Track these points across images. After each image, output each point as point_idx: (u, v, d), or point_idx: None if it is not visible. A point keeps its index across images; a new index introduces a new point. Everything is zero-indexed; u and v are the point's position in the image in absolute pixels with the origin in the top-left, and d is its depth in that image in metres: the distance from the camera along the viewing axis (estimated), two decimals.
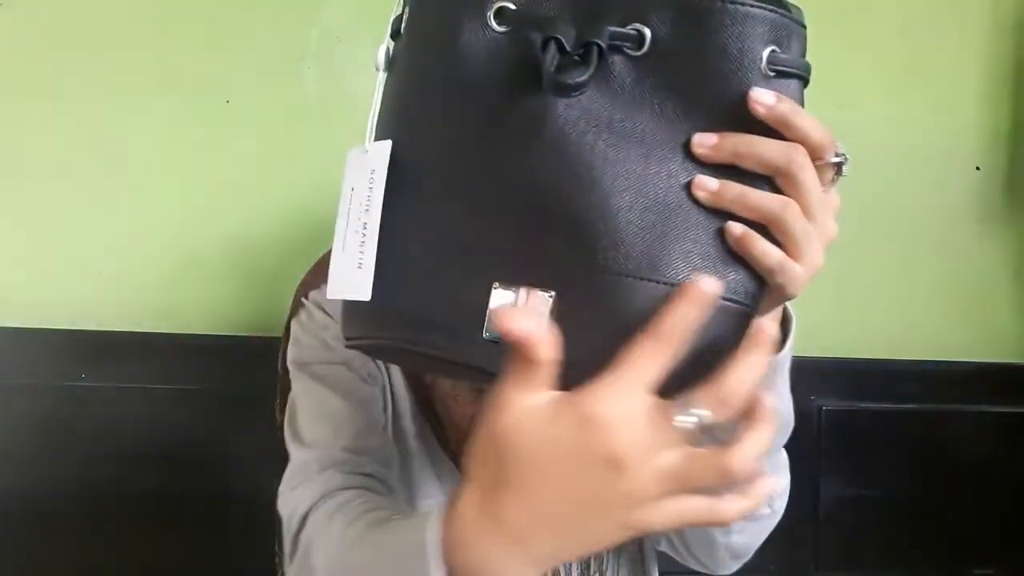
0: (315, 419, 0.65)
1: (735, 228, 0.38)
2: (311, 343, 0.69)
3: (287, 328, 0.74)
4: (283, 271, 0.80)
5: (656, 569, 0.76)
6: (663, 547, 0.72)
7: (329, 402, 0.65)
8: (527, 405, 0.35)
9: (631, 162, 0.38)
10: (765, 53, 0.38)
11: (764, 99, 0.38)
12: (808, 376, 1.25)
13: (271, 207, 1.14)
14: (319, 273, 0.73)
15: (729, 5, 0.38)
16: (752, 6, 0.38)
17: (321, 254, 0.77)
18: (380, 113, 0.44)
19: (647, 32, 0.38)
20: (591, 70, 0.36)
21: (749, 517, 0.53)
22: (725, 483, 0.35)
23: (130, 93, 1.10)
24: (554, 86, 0.36)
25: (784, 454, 0.66)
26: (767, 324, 0.39)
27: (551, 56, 0.36)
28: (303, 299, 0.72)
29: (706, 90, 0.38)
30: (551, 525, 0.35)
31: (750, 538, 0.65)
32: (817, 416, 1.23)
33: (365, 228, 0.41)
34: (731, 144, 0.38)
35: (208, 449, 1.05)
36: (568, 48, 0.37)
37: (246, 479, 0.91)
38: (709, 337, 0.38)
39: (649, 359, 0.35)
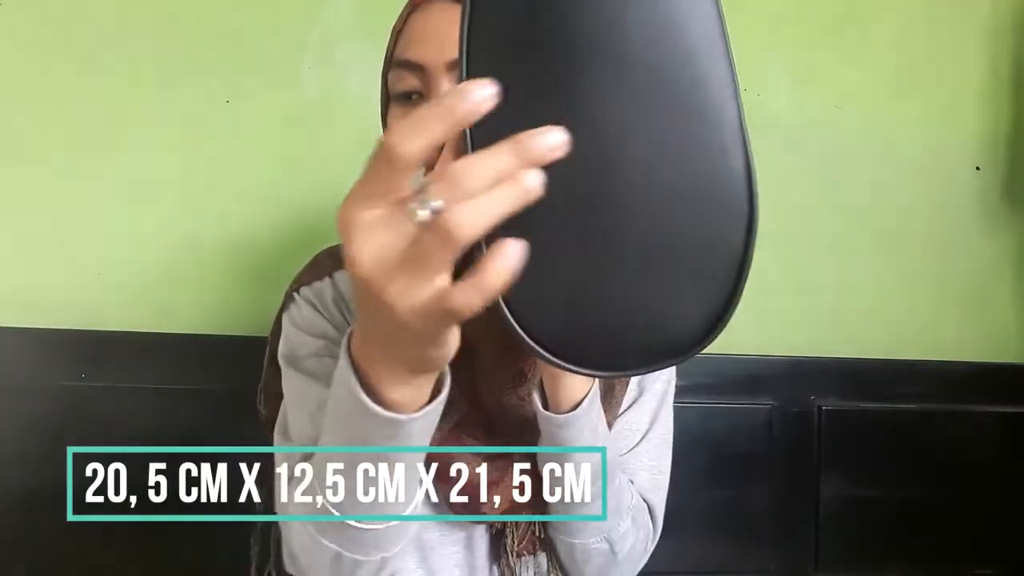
0: (306, 418, 0.65)
1: None
2: (300, 338, 0.70)
3: (276, 322, 0.75)
4: (283, 271, 0.79)
5: None
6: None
7: (319, 397, 0.64)
8: None
9: None
10: None
11: None
12: (808, 376, 1.26)
13: (271, 207, 1.14)
14: (313, 270, 0.74)
15: None
16: None
17: (316, 252, 0.77)
18: None
19: None
20: None
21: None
22: (449, 247, 0.34)
23: (130, 93, 1.10)
24: None
25: (629, 496, 0.67)
26: None
27: None
28: (294, 294, 0.73)
29: None
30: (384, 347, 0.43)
31: (598, 571, 0.68)
32: (817, 416, 1.23)
33: None
34: None
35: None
36: None
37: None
38: None
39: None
